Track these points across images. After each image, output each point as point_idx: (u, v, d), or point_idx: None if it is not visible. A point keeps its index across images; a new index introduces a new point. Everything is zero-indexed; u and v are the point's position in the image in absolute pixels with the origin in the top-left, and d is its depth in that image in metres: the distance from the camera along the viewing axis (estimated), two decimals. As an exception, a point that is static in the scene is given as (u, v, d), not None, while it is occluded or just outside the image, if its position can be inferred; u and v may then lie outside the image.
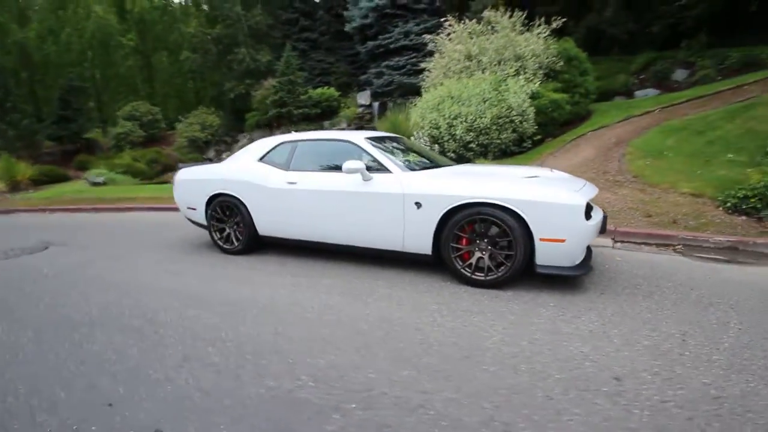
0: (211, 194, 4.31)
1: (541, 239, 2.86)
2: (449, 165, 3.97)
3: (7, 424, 1.70)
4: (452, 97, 9.39)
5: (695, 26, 13.20)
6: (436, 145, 9.18)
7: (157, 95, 19.39)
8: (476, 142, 9.01)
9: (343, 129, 16.31)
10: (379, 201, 3.36)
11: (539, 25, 10.27)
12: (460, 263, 3.16)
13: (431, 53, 14.21)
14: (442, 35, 11.37)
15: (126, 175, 12.68)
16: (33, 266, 4.14)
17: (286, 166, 3.96)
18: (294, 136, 4.15)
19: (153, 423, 1.66)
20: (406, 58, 16.54)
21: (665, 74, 13.44)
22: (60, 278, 3.69)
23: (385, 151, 3.65)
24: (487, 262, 3.07)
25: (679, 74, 13.20)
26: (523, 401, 1.75)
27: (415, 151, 4.23)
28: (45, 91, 19.18)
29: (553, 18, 10.12)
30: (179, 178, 4.68)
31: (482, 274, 3.09)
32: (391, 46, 16.63)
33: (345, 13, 17.94)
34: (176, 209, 7.59)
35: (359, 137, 3.74)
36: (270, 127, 17.79)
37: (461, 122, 8.99)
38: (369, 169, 3.43)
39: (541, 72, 9.80)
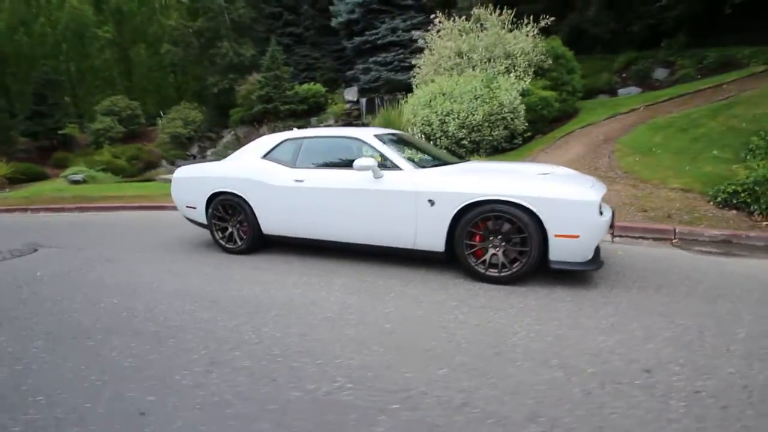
0: (212, 192, 4.20)
1: (555, 235, 2.91)
2: (456, 162, 3.98)
3: (34, 437, 1.62)
4: (444, 94, 9.43)
5: (675, 27, 13.62)
6: (429, 142, 9.21)
7: (135, 89, 18.72)
8: (468, 139, 9.07)
9: (330, 125, 16.17)
10: (391, 199, 3.34)
11: (527, 24, 10.40)
12: (474, 260, 3.17)
13: (419, 50, 14.21)
14: (431, 32, 11.37)
15: (106, 173, 12.23)
16: (25, 270, 3.94)
17: (291, 164, 3.89)
18: (299, 132, 4.08)
19: None
20: (393, 54, 16.51)
21: (646, 73, 13.85)
22: (58, 282, 3.53)
23: (393, 148, 3.63)
24: (501, 258, 3.10)
25: (660, 73, 13.62)
26: (562, 396, 1.77)
27: (419, 148, 4.23)
28: (18, 85, 18.27)
29: (541, 17, 10.25)
30: (178, 176, 4.54)
31: (496, 271, 3.12)
32: (378, 42, 16.57)
33: (331, 8, 17.74)
34: (168, 208, 7.41)
35: (368, 134, 3.71)
36: (255, 123, 17.48)
37: (454, 119, 9.04)
38: (379, 166, 3.41)
39: (531, 70, 9.92)
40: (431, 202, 3.19)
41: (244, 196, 4.01)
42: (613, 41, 15.62)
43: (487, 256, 3.14)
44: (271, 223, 3.97)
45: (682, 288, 2.99)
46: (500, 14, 10.62)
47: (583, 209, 2.85)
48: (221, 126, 19.16)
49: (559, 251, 2.94)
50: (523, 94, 9.41)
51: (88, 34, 18.23)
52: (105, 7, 18.39)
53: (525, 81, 9.51)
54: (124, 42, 19.10)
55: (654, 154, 7.28)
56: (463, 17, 11.10)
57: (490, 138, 9.16)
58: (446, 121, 9.13)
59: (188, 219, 4.64)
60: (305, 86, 16.99)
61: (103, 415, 1.74)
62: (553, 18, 10.22)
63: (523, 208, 2.93)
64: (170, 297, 3.08)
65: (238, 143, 17.50)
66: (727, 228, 4.44)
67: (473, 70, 10.13)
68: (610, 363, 2.03)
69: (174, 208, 7.39)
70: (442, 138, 9.09)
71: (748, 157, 6.12)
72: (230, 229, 4.24)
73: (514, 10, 10.54)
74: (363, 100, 16.65)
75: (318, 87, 16.96)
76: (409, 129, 9.43)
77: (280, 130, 15.90)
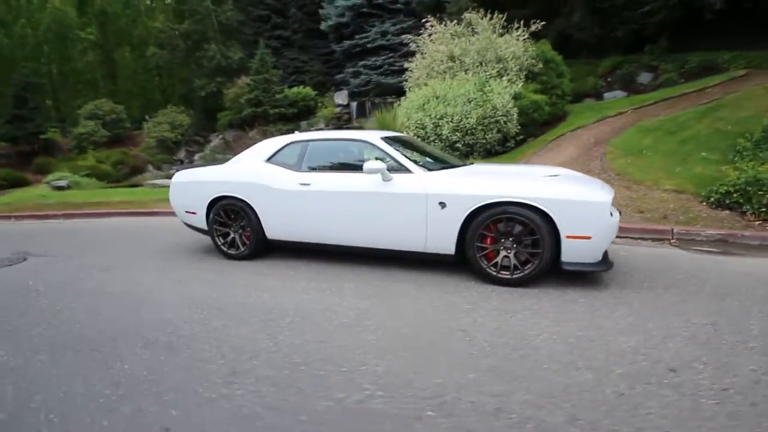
0: (214, 197, 4.10)
1: (567, 237, 2.92)
2: (461, 164, 3.97)
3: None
4: (437, 97, 9.49)
5: (657, 32, 13.98)
6: (425, 145, 9.23)
7: (120, 93, 18.26)
8: (462, 142, 9.14)
9: (321, 129, 16.09)
10: (401, 202, 3.32)
11: (518, 28, 10.55)
12: (485, 262, 3.17)
13: (410, 53, 14.27)
14: (423, 36, 11.44)
15: (91, 178, 11.89)
16: (17, 280, 3.78)
17: (297, 167, 3.83)
18: (303, 135, 4.03)
19: (221, 445, 1.55)
20: (383, 57, 16.55)
21: (631, 77, 14.18)
22: (54, 292, 3.39)
23: (400, 150, 3.61)
24: (512, 260, 3.10)
25: (644, 77, 13.96)
26: (596, 398, 1.76)
27: (423, 150, 4.21)
28: (-3, 88, 17.62)
29: (531, 21, 10.42)
30: (176, 181, 4.43)
31: (508, 273, 3.12)
32: (368, 45, 16.59)
33: (320, 11, 17.71)
34: (160, 214, 7.23)
35: (375, 137, 3.68)
36: (244, 126, 17.27)
37: (447, 122, 9.10)
38: (388, 169, 3.38)
39: (523, 74, 10.06)
40: (442, 205, 3.18)
41: (247, 201, 3.93)
42: (598, 46, 15.95)
43: (498, 259, 3.14)
44: (275, 228, 3.90)
45: (689, 287, 3.04)
46: (491, 19, 10.75)
47: (596, 210, 2.87)
48: (209, 130, 18.86)
49: (571, 252, 2.95)
50: (516, 97, 9.53)
51: (71, 36, 17.70)
52: (89, 9, 17.89)
53: (517, 85, 9.63)
54: (108, 44, 18.62)
55: (645, 156, 7.44)
56: (455, 22, 11.20)
57: (484, 141, 9.24)
58: (440, 124, 9.18)
59: (187, 225, 4.52)
60: (295, 90, 16.88)
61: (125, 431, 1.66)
62: (544, 22, 10.39)
63: (536, 209, 2.94)
64: (176, 305, 2.98)
65: (227, 147, 17.25)
66: (722, 228, 4.55)
67: (465, 73, 10.21)
68: (635, 363, 2.03)
69: (166, 213, 7.25)
70: (436, 141, 9.13)
71: (736, 159, 6.31)
72: (232, 235, 4.14)
73: (505, 15, 10.68)
74: (353, 104, 16.62)
75: (308, 90, 16.86)
76: (404, 132, 9.44)
77: (270, 134, 15.77)
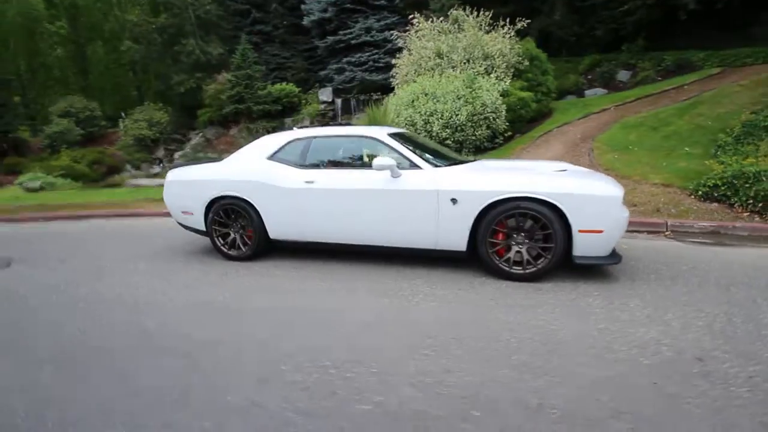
0: (213, 197, 3.96)
1: (579, 231, 2.95)
2: (468, 160, 3.96)
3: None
4: (426, 94, 9.47)
5: (634, 31, 14.39)
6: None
7: (92, 89, 17.44)
8: (452, 139, 9.16)
9: (306, 126, 15.86)
10: (411, 198, 3.28)
11: (504, 26, 10.65)
12: (497, 258, 3.17)
13: (395, 50, 14.22)
14: (410, 32, 11.40)
15: (66, 179, 11.34)
16: (4, 287, 3.55)
17: (301, 164, 3.74)
18: (306, 132, 3.93)
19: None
20: (367, 54, 16.42)
21: (611, 75, 14.56)
22: (47, 300, 3.19)
23: (408, 146, 3.56)
24: (525, 255, 3.11)
25: (623, 75, 14.35)
26: (632, 390, 1.78)
27: (426, 147, 4.18)
28: (-39, 85, 16.49)
29: (517, 19, 10.53)
30: (171, 180, 4.25)
31: (520, 268, 3.13)
32: (352, 41, 16.43)
33: (303, 6, 17.40)
34: (147, 215, 6.96)
35: (381, 133, 3.63)
36: (226, 124, 16.85)
37: (437, 119, 9.10)
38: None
39: (510, 71, 10.16)
40: (454, 201, 3.16)
41: (249, 200, 3.81)
42: (577, 44, 16.30)
43: (511, 254, 3.15)
44: (279, 227, 3.80)
45: (694, 278, 3.12)
46: (477, 16, 10.81)
47: (608, 204, 2.91)
48: (188, 127, 18.32)
49: (583, 246, 2.99)
50: (504, 94, 9.62)
51: (40, 29, 16.76)
52: (58, 1, 16.96)
53: (505, 82, 9.72)
54: (80, 38, 17.73)
55: (631, 151, 7.65)
56: (441, 18, 11.21)
57: (473, 137, 9.30)
58: (430, 121, 9.17)
59: (183, 226, 4.36)
60: (278, 86, 16.56)
61: (155, 445, 1.57)
62: (529, 20, 10.52)
63: (549, 204, 2.95)
64: (183, 310, 2.86)
65: (208, 145, 16.81)
66: (713, 220, 4.71)
67: (453, 70, 10.24)
68: (661, 354, 2.07)
69: (153, 215, 7.00)
70: (427, 138, 9.13)
71: (718, 153, 6.55)
72: (233, 235, 4.02)
73: (491, 12, 10.76)
74: (338, 101, 16.45)
75: (291, 87, 16.58)
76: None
77: (253, 132, 15.44)
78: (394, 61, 11.71)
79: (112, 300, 3.12)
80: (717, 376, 1.87)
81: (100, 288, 3.42)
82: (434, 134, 9.07)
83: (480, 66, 10.20)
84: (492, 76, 9.72)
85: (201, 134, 17.31)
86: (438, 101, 9.23)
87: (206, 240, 4.88)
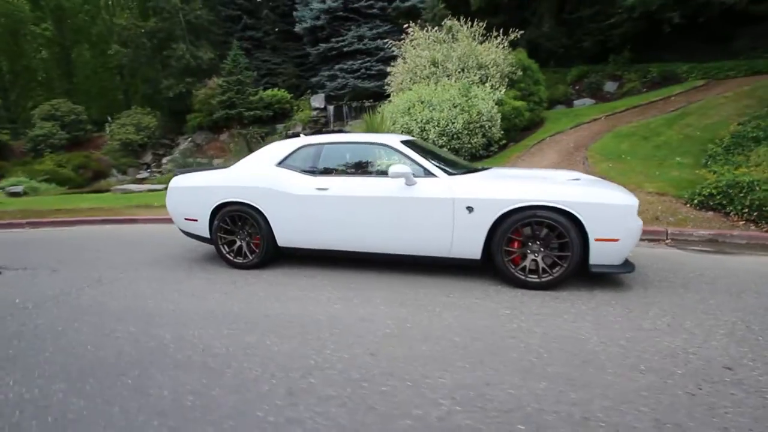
0: (219, 203, 3.87)
1: (596, 239, 2.97)
2: (479, 169, 3.96)
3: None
4: (422, 102, 9.53)
5: (620, 43, 14.83)
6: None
7: (77, 93, 16.94)
8: (448, 146, 9.22)
9: (299, 132, 15.75)
10: (427, 206, 3.26)
11: (497, 36, 10.83)
12: (513, 267, 3.17)
13: (388, 58, 14.31)
14: (405, 41, 11.49)
15: (50, 184, 10.96)
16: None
17: (312, 171, 3.69)
18: (316, 138, 3.89)
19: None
20: (360, 61, 16.50)
21: (598, 86, 14.94)
22: (48, 310, 3.04)
23: (421, 154, 3.55)
24: (541, 264, 3.12)
25: (610, 86, 14.75)
26: (672, 400, 1.78)
27: (438, 155, 4.17)
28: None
29: (510, 30, 10.73)
30: (175, 186, 4.14)
31: (536, 277, 3.13)
32: (345, 49, 16.50)
33: (295, 13, 17.42)
34: (140, 221, 6.77)
35: (394, 140, 3.61)
36: (216, 129, 16.62)
37: (434, 127, 9.15)
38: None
39: (505, 80, 10.32)
40: (470, 209, 3.15)
41: (257, 206, 3.73)
42: (566, 55, 16.70)
43: (526, 262, 3.15)
44: (288, 235, 3.73)
45: (704, 285, 3.17)
46: (471, 26, 10.98)
47: (624, 213, 2.94)
48: (176, 132, 18.01)
49: (599, 255, 3.00)
50: (498, 103, 9.75)
51: (24, 31, 16.22)
52: (43, 3, 16.45)
53: (500, 91, 9.86)
54: (66, 41, 17.24)
55: (624, 160, 7.81)
56: (436, 28, 11.33)
57: (469, 146, 9.38)
58: (426, 128, 9.22)
59: (185, 233, 4.24)
60: (269, 92, 16.45)
61: (191, 467, 1.48)
62: (522, 32, 10.72)
63: (565, 213, 2.97)
64: (197, 320, 2.76)
65: (197, 150, 16.54)
66: (711, 228, 4.83)
67: (448, 79, 10.35)
68: (691, 363, 2.08)
69: (146, 221, 6.81)
70: (434, 146, 9.16)
71: (709, 163, 6.75)
72: (239, 243, 3.92)
73: (485, 23, 10.94)
74: (331, 107, 16.43)
75: (283, 93, 16.49)
76: (391, 136, 9.40)
77: (248, 137, 15.27)
78: (389, 69, 11.77)
79: (119, 310, 2.99)
80: (749, 384, 1.89)
81: (102, 297, 3.28)
82: (430, 142, 9.10)
83: (474, 75, 10.34)
84: (487, 85, 9.84)
85: (190, 139, 17.03)
86: (434, 109, 9.29)
87: (207, 247, 4.78)
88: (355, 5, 16.32)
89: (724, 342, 2.28)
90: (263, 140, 14.79)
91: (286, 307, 2.94)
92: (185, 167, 14.49)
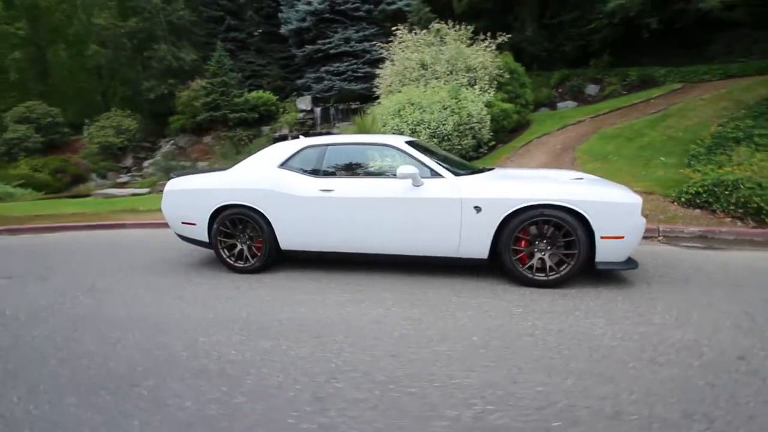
0: (218, 206, 3.78)
1: (601, 237, 3.03)
2: (482, 169, 3.97)
3: None
4: (413, 104, 9.58)
5: (600, 48, 15.25)
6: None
7: (54, 94, 16.27)
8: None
9: (285, 135, 15.60)
10: (434, 207, 3.27)
11: (484, 39, 10.99)
12: (520, 265, 3.20)
13: (375, 60, 14.32)
14: (393, 43, 11.53)
15: (26, 189, 10.50)
16: (-16, 308, 3.20)
17: (315, 173, 3.64)
18: (319, 140, 3.84)
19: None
20: (346, 64, 16.45)
21: (580, 89, 15.30)
22: (43, 321, 2.90)
23: (426, 155, 3.55)
24: (548, 262, 3.16)
25: (591, 89, 15.13)
26: (696, 392, 1.82)
27: (441, 155, 4.17)
28: None
29: (498, 33, 10.91)
30: (171, 189, 4.02)
31: (543, 275, 3.17)
32: (331, 51, 16.42)
33: (280, 15, 17.26)
34: (129, 226, 6.55)
35: (399, 141, 3.60)
36: (200, 131, 16.29)
37: (425, 128, 9.20)
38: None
39: (494, 83, 10.47)
40: (477, 209, 3.17)
41: (260, 209, 3.66)
42: (548, 59, 17.05)
43: (534, 261, 3.19)
44: (292, 238, 3.67)
45: (702, 280, 3.27)
46: (459, 29, 11.11)
47: (629, 211, 3.02)
48: (157, 135, 17.55)
49: (605, 252, 3.06)
50: (487, 105, 9.89)
51: (-4, 30, 15.54)
52: (18, 2, 15.72)
53: (489, 93, 9.99)
54: (41, 41, 16.55)
55: (611, 161, 8.02)
56: (424, 31, 11.42)
57: (459, 147, 9.46)
58: (417, 130, 9.26)
59: (182, 237, 4.13)
60: (254, 93, 16.22)
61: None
62: (509, 35, 10.90)
63: (572, 211, 3.02)
64: (205, 327, 2.67)
65: (180, 153, 16.17)
66: (700, 225, 4.99)
67: (437, 81, 10.43)
68: (705, 355, 2.13)
69: (136, 226, 6.59)
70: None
71: (692, 162, 6.99)
72: (240, 246, 3.83)
73: (473, 27, 11.08)
74: (317, 110, 16.32)
75: (269, 95, 16.29)
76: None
77: (234, 140, 15.00)
78: (378, 71, 11.78)
79: (120, 319, 2.87)
80: (764, 373, 1.95)
81: (100, 306, 3.15)
82: (422, 143, 9.15)
83: (463, 78, 10.46)
84: (476, 87, 9.96)
85: (172, 142, 16.64)
86: (424, 111, 9.34)
87: (202, 251, 4.67)
88: (342, 7, 16.28)
89: (732, 334, 2.36)
90: (250, 142, 14.56)
91: (296, 311, 2.88)
92: (168, 170, 14.15)
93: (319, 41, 16.39)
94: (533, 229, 3.17)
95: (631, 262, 3.17)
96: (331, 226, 3.52)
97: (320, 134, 14.98)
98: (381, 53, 12.08)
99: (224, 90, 15.02)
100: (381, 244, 3.47)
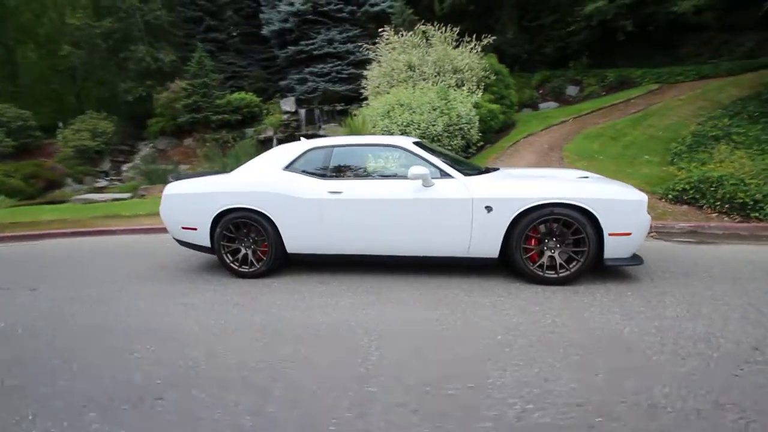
0: (221, 210, 3.68)
1: (609, 234, 3.10)
2: (491, 169, 3.98)
3: None
4: (402, 105, 9.60)
5: (579, 50, 15.70)
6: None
7: (24, 97, 15.47)
8: (429, 149, 9.31)
9: (270, 137, 15.36)
10: (446, 207, 3.27)
11: (469, 41, 11.13)
12: (531, 264, 3.24)
13: (360, 62, 14.29)
14: (380, 44, 11.53)
15: (-3, 195, 9.98)
16: (-25, 323, 3.01)
17: (322, 175, 3.59)
18: (325, 141, 3.79)
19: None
20: (330, 65, 16.35)
21: (560, 89, 15.70)
22: (44, 333, 2.74)
23: (434, 156, 3.55)
24: (558, 260, 3.21)
25: (571, 90, 15.53)
26: (721, 382, 1.87)
27: (446, 155, 4.16)
28: None
29: (483, 35, 11.06)
30: (171, 194, 3.89)
31: (553, 273, 3.22)
32: (315, 52, 16.28)
33: (262, 15, 17.00)
34: (119, 232, 6.31)
35: (407, 142, 3.60)
36: (180, 134, 15.87)
37: (415, 129, 9.23)
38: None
39: (482, 84, 10.60)
40: (488, 209, 3.19)
41: (265, 212, 3.58)
42: (529, 61, 17.43)
43: (544, 259, 3.23)
44: (298, 241, 3.60)
45: (703, 274, 3.39)
46: (445, 31, 11.21)
47: (635, 207, 3.10)
48: (135, 138, 17.00)
49: (612, 249, 3.13)
50: (475, 106, 10.00)
51: (-41, 29, 14.63)
52: None
53: (477, 94, 10.11)
54: (8, 41, 15.71)
55: (597, 159, 8.23)
56: (411, 33, 11.46)
57: (449, 148, 9.52)
58: (407, 131, 9.27)
59: (181, 242, 4.00)
60: (237, 95, 15.92)
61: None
62: (494, 37, 11.07)
63: (581, 209, 3.08)
64: (219, 335, 2.59)
65: (161, 156, 15.71)
66: (689, 221, 5.18)
67: (425, 82, 10.49)
68: (722, 347, 2.20)
69: (123, 232, 6.35)
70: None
71: (675, 160, 7.25)
72: (244, 251, 3.74)
73: (462, 28, 11.20)
74: (302, 111, 16.14)
75: (252, 96, 16.01)
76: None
77: (220, 142, 14.66)
78: (365, 73, 11.76)
79: (127, 329, 2.75)
80: (781, 362, 2.03)
81: (102, 317, 3.01)
82: (412, 144, 9.17)
83: (450, 79, 10.55)
84: (464, 88, 10.07)
85: (152, 145, 16.15)
86: (414, 112, 9.37)
87: (199, 256, 4.55)
88: (325, 9, 16.17)
89: (741, 325, 2.44)
90: (236, 143, 14.27)
91: (311, 316, 2.83)
92: (149, 174, 13.73)
93: (302, 42, 16.24)
94: (542, 228, 3.22)
95: (636, 258, 3.25)
96: (340, 229, 3.48)
97: (307, 136, 14.82)
98: (365, 54, 12.07)
99: (206, 91, 14.68)
100: (391, 245, 3.45)
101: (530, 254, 3.24)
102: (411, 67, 10.88)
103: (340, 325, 2.65)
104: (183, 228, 3.87)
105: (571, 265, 3.19)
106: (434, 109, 9.33)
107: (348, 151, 3.69)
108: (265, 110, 16.48)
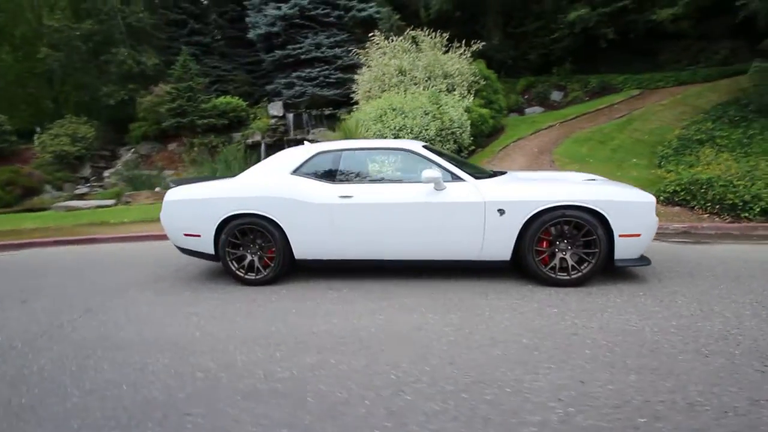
0: (227, 216, 3.58)
1: (620, 235, 3.15)
2: (498, 172, 3.98)
3: None
4: (394, 110, 9.62)
5: (562, 56, 16.08)
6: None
7: (-1, 100, 14.90)
8: (422, 153, 9.34)
9: (258, 141, 15.16)
10: (458, 210, 3.27)
11: (459, 47, 11.26)
12: (543, 266, 3.26)
13: (348, 66, 14.30)
14: (370, 49, 11.55)
15: (-29, 204, 9.49)
16: (-33, 338, 2.82)
17: (331, 179, 3.54)
18: (333, 145, 3.74)
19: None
20: (318, 69, 16.27)
21: (545, 95, 16.03)
22: (45, 348, 2.60)
23: (444, 159, 3.55)
24: (570, 261, 3.24)
25: (556, 95, 15.89)
26: (749, 379, 1.91)
27: (454, 159, 4.14)
28: None
29: (473, 41, 11.21)
30: (172, 200, 3.76)
31: (565, 274, 3.25)
32: (302, 56, 16.18)
33: (248, 19, 16.82)
34: (111, 240, 6.08)
35: (416, 145, 3.59)
36: (164, 138, 15.48)
37: (407, 133, 9.25)
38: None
39: (473, 89, 10.72)
40: (501, 212, 3.20)
41: (272, 218, 3.50)
42: (514, 66, 17.74)
43: (555, 261, 3.26)
44: (307, 246, 3.54)
45: (706, 273, 3.48)
46: (434, 37, 11.32)
47: (645, 209, 3.16)
48: (117, 143, 16.51)
49: (622, 250, 3.18)
50: (467, 110, 10.11)
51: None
52: None
53: (468, 99, 10.22)
54: None
55: (587, 162, 8.41)
56: (401, 38, 11.53)
57: (442, 151, 9.58)
58: (400, 135, 9.29)
59: (183, 250, 3.87)
60: (223, 99, 15.66)
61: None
62: (484, 43, 11.23)
63: (593, 211, 3.12)
64: (236, 344, 2.50)
65: (144, 162, 15.29)
66: (682, 222, 5.33)
67: (416, 87, 10.55)
68: (742, 344, 2.25)
69: (114, 239, 6.12)
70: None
71: (662, 163, 7.47)
72: (250, 257, 3.65)
73: (449, 34, 11.33)
74: (290, 115, 16.00)
75: (238, 101, 15.77)
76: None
77: (209, 146, 14.36)
78: (354, 77, 11.75)
79: (136, 341, 2.63)
80: (800, 358, 2.08)
81: (105, 328, 2.87)
82: (405, 149, 9.19)
83: (441, 84, 10.64)
84: (456, 93, 10.17)
85: (134, 150, 15.71)
86: (406, 116, 9.40)
87: (198, 264, 4.43)
88: (312, 13, 16.11)
89: (755, 322, 2.51)
90: (224, 147, 14.01)
91: (330, 323, 2.77)
92: (132, 180, 13.33)
93: (289, 46, 16.13)
94: (554, 230, 3.24)
95: (644, 259, 3.31)
96: (351, 233, 3.43)
97: (296, 140, 14.67)
98: (353, 59, 12.08)
99: (191, 95, 14.38)
100: (403, 249, 3.43)
101: (542, 257, 3.26)
102: (402, 72, 10.93)
103: (362, 332, 2.60)
104: (185, 235, 3.75)
105: (582, 267, 3.22)
106: (426, 114, 9.39)
107: (357, 155, 3.65)
108: (252, 114, 16.26)
